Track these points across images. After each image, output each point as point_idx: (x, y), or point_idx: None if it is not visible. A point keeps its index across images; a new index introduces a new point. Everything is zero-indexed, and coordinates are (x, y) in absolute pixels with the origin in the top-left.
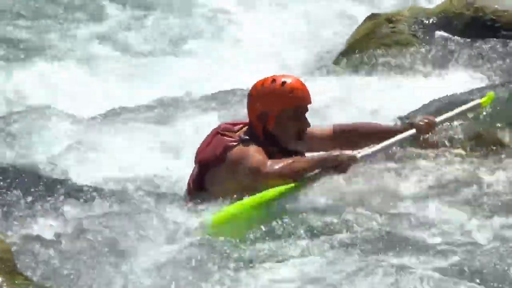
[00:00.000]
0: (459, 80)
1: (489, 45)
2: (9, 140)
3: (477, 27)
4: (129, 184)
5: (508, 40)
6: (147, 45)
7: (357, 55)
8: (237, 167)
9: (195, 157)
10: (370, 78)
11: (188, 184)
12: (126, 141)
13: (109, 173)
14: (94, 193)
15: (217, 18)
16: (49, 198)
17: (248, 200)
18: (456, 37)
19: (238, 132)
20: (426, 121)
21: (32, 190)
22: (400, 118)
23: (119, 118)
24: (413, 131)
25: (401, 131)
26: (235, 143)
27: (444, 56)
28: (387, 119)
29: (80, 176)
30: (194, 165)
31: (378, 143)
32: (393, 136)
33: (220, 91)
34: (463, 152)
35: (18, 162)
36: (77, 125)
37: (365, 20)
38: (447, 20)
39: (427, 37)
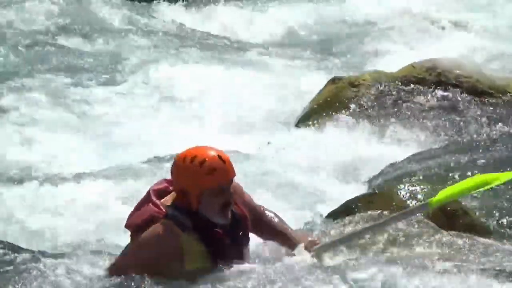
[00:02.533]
0: (420, 144)
1: (452, 110)
2: None
3: (440, 92)
4: None
5: (470, 106)
6: None
7: (320, 117)
8: (142, 245)
9: (126, 220)
10: (334, 136)
11: None
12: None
13: None
14: None
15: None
16: None
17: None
18: (418, 101)
19: (172, 195)
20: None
21: None
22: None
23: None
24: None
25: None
26: (159, 215)
27: (406, 118)
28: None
29: None
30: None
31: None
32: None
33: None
34: None
35: None
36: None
37: (327, 84)
38: (408, 84)
39: (390, 102)
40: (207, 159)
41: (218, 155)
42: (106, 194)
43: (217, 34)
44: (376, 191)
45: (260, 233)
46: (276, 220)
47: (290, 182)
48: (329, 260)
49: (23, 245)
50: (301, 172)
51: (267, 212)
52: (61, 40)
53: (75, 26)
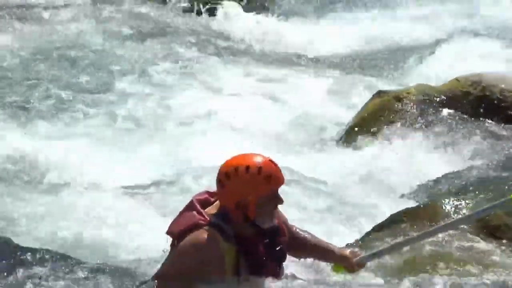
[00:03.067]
0: (464, 159)
1: (495, 125)
2: None
3: (484, 106)
4: None
5: None
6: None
7: (365, 131)
8: (184, 250)
9: (168, 227)
10: (378, 149)
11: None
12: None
13: None
14: None
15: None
16: None
17: None
18: (463, 115)
19: (215, 205)
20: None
21: None
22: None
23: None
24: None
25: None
26: (203, 222)
27: (450, 135)
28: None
29: None
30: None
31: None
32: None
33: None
34: None
35: None
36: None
37: (372, 97)
38: (454, 99)
39: (434, 115)
40: (262, 167)
41: (270, 161)
42: (142, 206)
43: (262, 48)
44: (421, 205)
45: (297, 253)
46: (311, 237)
47: (335, 196)
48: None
49: (59, 251)
50: (345, 186)
51: (301, 231)
52: (102, 50)
53: (117, 35)
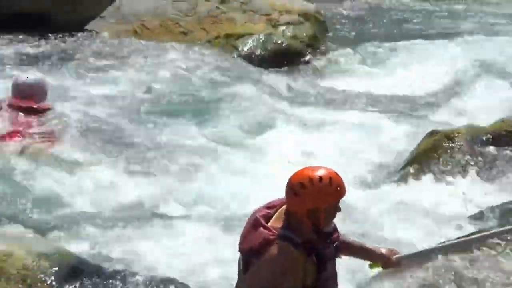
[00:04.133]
0: None
1: None
2: None
3: None
4: None
5: None
6: None
7: (419, 169)
8: (262, 267)
9: (238, 246)
10: (431, 187)
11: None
12: None
13: None
14: None
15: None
16: None
17: None
18: (506, 151)
19: (276, 217)
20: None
21: None
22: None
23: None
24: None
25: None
26: (273, 237)
27: (498, 171)
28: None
29: None
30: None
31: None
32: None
33: None
34: None
35: None
36: None
37: (425, 136)
38: (500, 138)
39: (482, 153)
40: (332, 178)
41: (335, 172)
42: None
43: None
44: None
45: (342, 252)
46: (351, 238)
47: (389, 230)
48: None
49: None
50: (399, 222)
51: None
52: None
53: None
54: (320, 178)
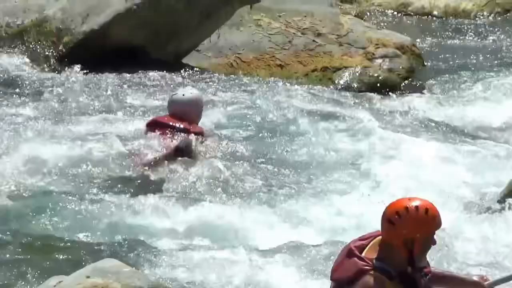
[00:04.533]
0: None
1: None
2: None
3: None
4: None
5: None
6: None
7: None
8: None
9: (331, 274)
10: None
11: None
12: None
13: None
14: None
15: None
16: None
17: None
18: None
19: (369, 248)
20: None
21: None
22: None
23: None
24: None
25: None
26: (368, 268)
27: None
28: None
29: None
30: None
31: None
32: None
33: None
34: None
35: None
36: None
37: None
38: None
39: None
40: (428, 208)
41: (431, 203)
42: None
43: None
44: None
45: (435, 283)
46: (441, 269)
47: (492, 263)
48: None
49: None
50: (501, 253)
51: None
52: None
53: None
54: (416, 207)
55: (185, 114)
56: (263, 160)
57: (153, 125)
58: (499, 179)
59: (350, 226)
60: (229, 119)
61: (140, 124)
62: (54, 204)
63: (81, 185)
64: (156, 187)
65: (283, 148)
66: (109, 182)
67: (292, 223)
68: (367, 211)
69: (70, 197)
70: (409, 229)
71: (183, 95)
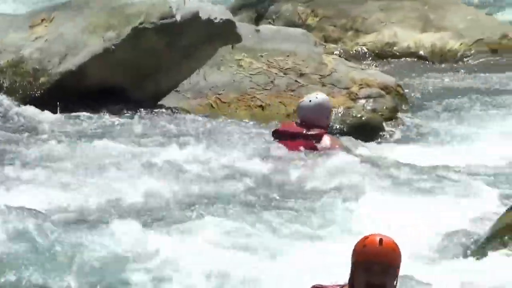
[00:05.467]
0: None
1: None
2: None
3: None
4: None
5: None
6: None
7: (498, 246)
8: None
9: None
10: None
11: None
12: None
13: None
14: None
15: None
16: None
17: None
18: None
19: None
20: None
21: None
22: None
23: None
24: None
25: None
26: None
27: None
28: None
29: None
30: None
31: None
32: None
33: None
34: None
35: None
36: None
37: (507, 211)
38: None
39: None
40: (370, 236)
41: (381, 238)
42: None
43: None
44: None
45: None
46: None
47: None
48: None
49: None
50: None
51: None
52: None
53: None
54: (367, 236)
55: (315, 120)
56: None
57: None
58: (483, 223)
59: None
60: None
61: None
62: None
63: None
64: None
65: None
66: None
67: None
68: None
69: None
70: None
71: (310, 101)
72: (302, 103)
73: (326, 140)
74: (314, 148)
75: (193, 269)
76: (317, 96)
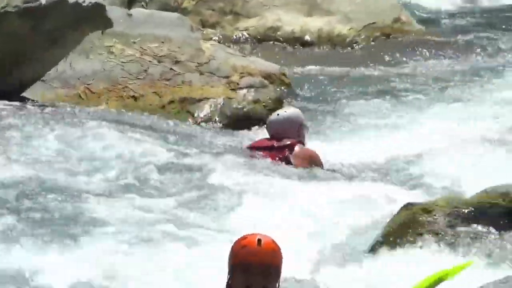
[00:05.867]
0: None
1: None
2: None
3: None
4: None
5: None
6: None
7: (392, 245)
8: None
9: None
10: (407, 264)
11: None
12: None
13: None
14: None
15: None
16: None
17: None
18: (492, 228)
19: None
20: None
21: None
22: None
23: None
24: None
25: None
26: None
27: (480, 247)
28: None
29: None
30: None
31: None
32: None
33: None
34: None
35: None
36: None
37: (400, 210)
38: (482, 211)
39: (463, 227)
40: (248, 236)
41: (260, 238)
42: None
43: None
44: None
45: None
46: None
47: None
48: None
49: None
50: None
51: None
52: None
53: None
54: (245, 237)
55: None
56: None
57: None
58: (375, 222)
59: None
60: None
61: None
62: None
63: None
64: None
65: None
66: None
67: None
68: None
69: None
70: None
71: (278, 114)
72: (271, 118)
73: (297, 149)
74: (286, 158)
75: None
76: (285, 110)
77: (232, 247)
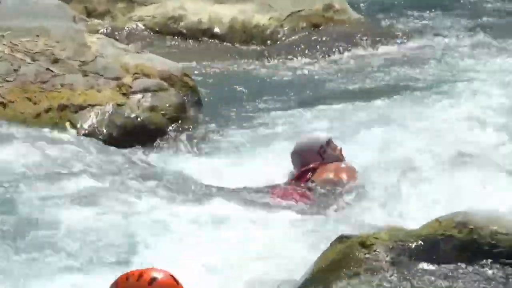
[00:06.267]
0: None
1: (486, 275)
2: None
3: (471, 253)
4: None
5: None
6: None
7: (323, 285)
8: None
9: None
10: None
11: None
12: None
13: None
14: None
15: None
16: None
17: None
18: (443, 266)
19: None
20: None
21: None
22: None
23: None
24: None
25: None
26: None
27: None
28: None
29: None
30: None
31: None
32: None
33: None
34: None
35: None
36: None
37: (333, 243)
38: (433, 244)
39: (410, 266)
40: (158, 278)
41: (155, 276)
42: None
43: None
44: None
45: None
46: None
47: None
48: None
49: None
50: None
51: None
52: None
53: None
54: (141, 275)
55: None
56: None
57: None
58: (302, 257)
59: None
60: None
61: None
62: None
63: None
64: None
65: None
66: None
67: None
68: None
69: None
70: None
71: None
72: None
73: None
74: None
75: None
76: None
77: (117, 282)
